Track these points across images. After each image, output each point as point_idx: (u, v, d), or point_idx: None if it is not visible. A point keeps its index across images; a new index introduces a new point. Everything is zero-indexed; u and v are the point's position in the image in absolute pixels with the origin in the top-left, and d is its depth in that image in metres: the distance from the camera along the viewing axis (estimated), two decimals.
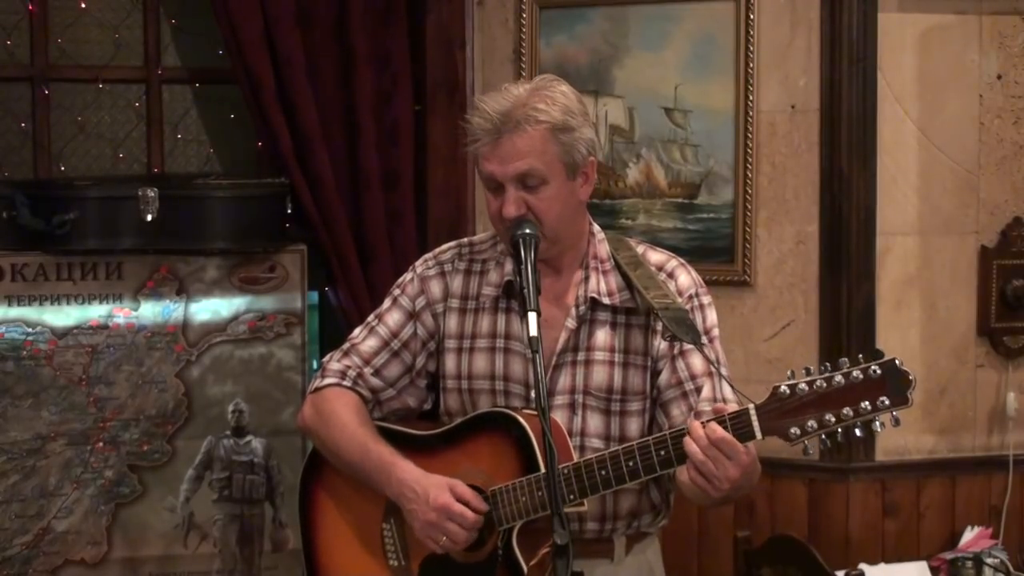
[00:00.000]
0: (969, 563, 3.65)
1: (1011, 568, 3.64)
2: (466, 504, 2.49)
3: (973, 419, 3.81)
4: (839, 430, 2.31)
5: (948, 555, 3.69)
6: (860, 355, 2.32)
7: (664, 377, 2.60)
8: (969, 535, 3.73)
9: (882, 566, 3.61)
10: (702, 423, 2.35)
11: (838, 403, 2.29)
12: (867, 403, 2.28)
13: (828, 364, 2.33)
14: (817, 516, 3.74)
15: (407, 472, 2.56)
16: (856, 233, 3.69)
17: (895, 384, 2.28)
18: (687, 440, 2.34)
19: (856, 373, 2.29)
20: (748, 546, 3.66)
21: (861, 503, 3.73)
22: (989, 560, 3.64)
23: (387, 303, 2.76)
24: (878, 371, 2.28)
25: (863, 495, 3.73)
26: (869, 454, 3.73)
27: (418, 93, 3.96)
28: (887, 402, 2.28)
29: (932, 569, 3.64)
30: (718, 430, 2.32)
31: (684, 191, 3.82)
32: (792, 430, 2.31)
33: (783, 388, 2.32)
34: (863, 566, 3.56)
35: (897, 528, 3.75)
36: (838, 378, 2.30)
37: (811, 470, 3.73)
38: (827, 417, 2.30)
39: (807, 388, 2.31)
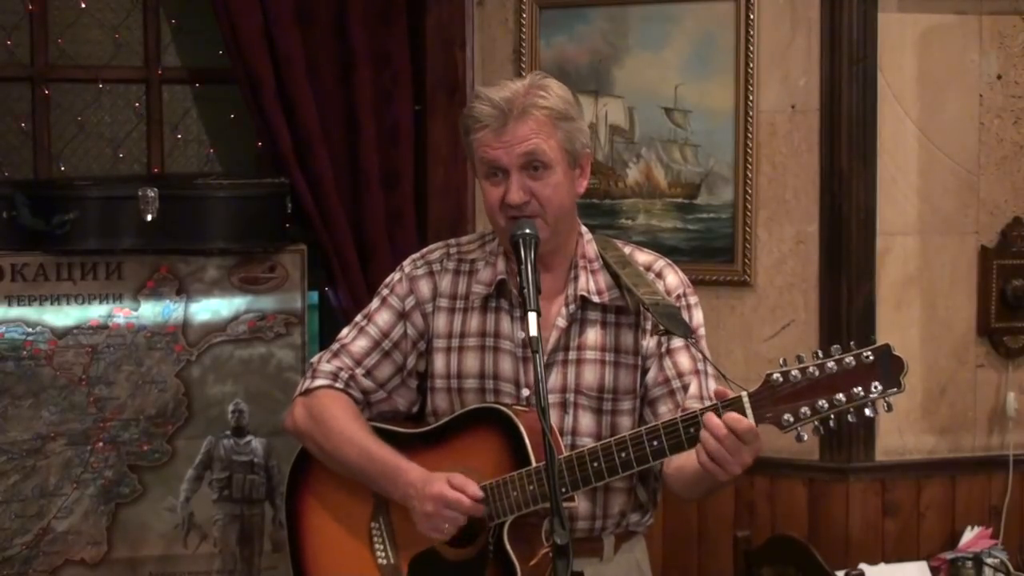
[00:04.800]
0: (969, 563, 3.65)
1: (1011, 568, 3.64)
2: (463, 491, 2.50)
3: (973, 419, 3.81)
4: (832, 416, 2.31)
5: (948, 555, 3.69)
6: (852, 342, 2.32)
7: (651, 375, 2.62)
8: (969, 535, 3.73)
9: (882, 566, 3.61)
10: (699, 411, 2.35)
11: (830, 389, 2.29)
12: (859, 388, 2.29)
13: (820, 351, 2.33)
14: (817, 516, 3.75)
15: (412, 473, 2.57)
16: (856, 233, 3.69)
17: (887, 369, 2.29)
18: (704, 432, 2.34)
19: (848, 359, 2.29)
20: (748, 546, 3.66)
21: (861, 503, 3.73)
22: (989, 560, 3.64)
23: (376, 303, 2.76)
24: (870, 357, 2.29)
25: (863, 495, 3.73)
26: (869, 454, 3.73)
27: (418, 93, 3.96)
28: (879, 387, 2.28)
29: (932, 569, 3.64)
30: (742, 420, 2.31)
31: (684, 191, 3.82)
32: (785, 417, 2.32)
33: (776, 375, 2.32)
34: (863, 566, 3.57)
35: (897, 528, 3.75)
36: (830, 364, 2.30)
37: (811, 470, 3.74)
38: (820, 403, 2.30)
39: (799, 375, 2.31)
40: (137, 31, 4.06)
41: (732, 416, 2.32)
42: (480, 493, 2.50)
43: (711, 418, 2.33)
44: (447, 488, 2.50)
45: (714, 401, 2.38)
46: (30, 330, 3.51)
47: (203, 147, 4.14)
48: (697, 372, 2.60)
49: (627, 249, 2.70)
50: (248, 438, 3.65)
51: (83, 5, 4.02)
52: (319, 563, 2.75)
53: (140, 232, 3.49)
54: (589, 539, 2.63)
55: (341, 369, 2.72)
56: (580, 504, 2.57)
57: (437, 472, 2.54)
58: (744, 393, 2.34)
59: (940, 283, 3.77)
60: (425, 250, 2.78)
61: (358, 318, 2.77)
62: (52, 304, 3.53)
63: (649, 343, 2.61)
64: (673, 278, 2.66)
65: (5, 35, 3.99)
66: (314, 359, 2.78)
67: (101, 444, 3.56)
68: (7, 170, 4.02)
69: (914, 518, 3.76)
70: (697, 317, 2.66)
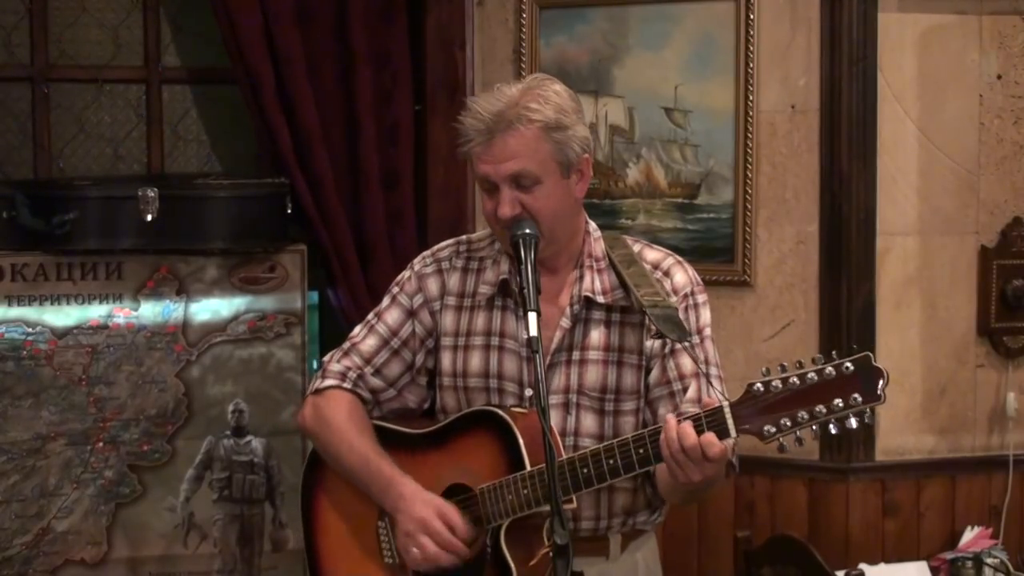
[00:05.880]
0: (969, 563, 3.65)
1: (1011, 568, 3.64)
2: (450, 528, 2.50)
3: (973, 419, 3.81)
4: (813, 427, 2.30)
5: (948, 555, 3.69)
6: (834, 352, 2.32)
7: (654, 376, 2.61)
8: (969, 535, 3.73)
9: (882, 566, 3.61)
10: (677, 420, 2.35)
11: (812, 400, 2.29)
12: (839, 400, 2.28)
13: (801, 361, 2.33)
14: (817, 516, 3.75)
15: (405, 487, 2.57)
16: (856, 233, 3.69)
17: (867, 381, 2.28)
18: (671, 437, 2.35)
19: (829, 370, 2.29)
20: (748, 546, 3.66)
21: (861, 503, 3.73)
22: (989, 560, 3.64)
23: (386, 301, 2.76)
24: (851, 368, 2.28)
25: (863, 495, 3.73)
26: (869, 454, 3.73)
27: (418, 93, 3.96)
28: (859, 399, 2.28)
29: (932, 569, 3.64)
30: (689, 437, 2.32)
31: (684, 191, 3.82)
32: (766, 428, 2.31)
33: (757, 386, 2.32)
34: (863, 566, 3.57)
35: (897, 528, 3.75)
36: (811, 375, 2.30)
37: (811, 470, 3.74)
38: (800, 415, 2.30)
39: (781, 385, 2.31)
40: (137, 31, 4.06)
41: (683, 431, 2.32)
42: (465, 536, 2.51)
43: (669, 427, 2.34)
44: (433, 517, 2.51)
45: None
46: (30, 330, 3.51)
47: (203, 147, 4.14)
48: (698, 375, 2.58)
49: (636, 247, 2.69)
50: (248, 438, 3.65)
51: (83, 5, 4.02)
52: (331, 561, 2.76)
53: (140, 232, 3.49)
54: (594, 538, 2.63)
55: (350, 369, 2.72)
56: (584, 503, 2.57)
57: (428, 494, 2.55)
58: (725, 404, 2.34)
59: (940, 283, 3.77)
60: (436, 247, 2.78)
61: (369, 316, 2.78)
62: (52, 304, 3.53)
63: (654, 343, 2.60)
64: (681, 276, 2.65)
65: (5, 35, 3.99)
66: (326, 358, 2.79)
67: (101, 444, 3.56)
68: (7, 170, 4.02)
69: (914, 518, 3.76)
70: (704, 317, 2.65)
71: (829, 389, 2.28)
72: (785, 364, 2.33)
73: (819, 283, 3.73)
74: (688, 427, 2.33)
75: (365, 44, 3.82)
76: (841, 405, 2.28)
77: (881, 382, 2.28)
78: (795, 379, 2.30)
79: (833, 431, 2.30)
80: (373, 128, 3.84)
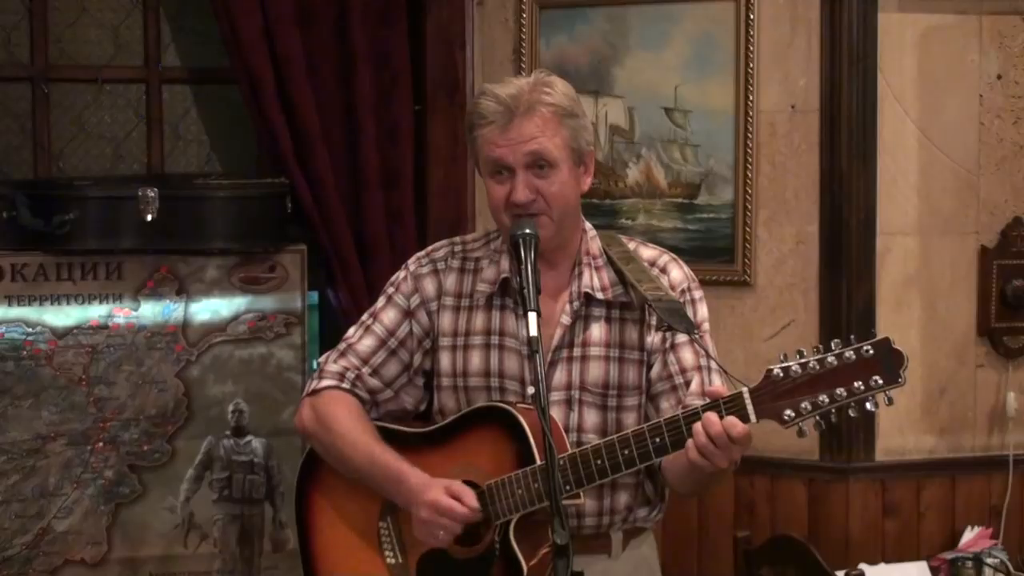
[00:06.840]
0: (969, 563, 3.65)
1: (1011, 568, 3.64)
2: (458, 500, 2.50)
3: (973, 419, 3.81)
4: (833, 411, 2.31)
5: (948, 555, 3.69)
6: (852, 336, 2.33)
7: (655, 370, 2.62)
8: (969, 535, 3.73)
9: (882, 566, 3.62)
10: (701, 408, 2.36)
11: (831, 384, 2.30)
12: (860, 383, 2.29)
13: (820, 346, 2.33)
14: (817, 516, 3.75)
15: (413, 479, 2.57)
16: (856, 233, 3.70)
17: (887, 363, 2.29)
18: (697, 428, 2.34)
19: (848, 353, 2.29)
20: (748, 546, 3.66)
21: (861, 503, 3.73)
22: (989, 560, 3.64)
23: (381, 301, 2.76)
24: (871, 351, 2.29)
25: (863, 495, 3.73)
26: (869, 454, 3.73)
27: (418, 93, 3.96)
28: (880, 381, 2.29)
29: (932, 569, 3.64)
30: (714, 425, 2.33)
31: (684, 191, 3.83)
32: (786, 412, 2.32)
33: (776, 371, 2.32)
34: (863, 566, 3.57)
35: (897, 528, 3.75)
36: (831, 359, 2.30)
37: (811, 470, 3.74)
38: (821, 398, 2.30)
39: (800, 370, 2.31)
40: (137, 31, 4.06)
41: (730, 422, 2.33)
42: (476, 504, 2.50)
43: (711, 420, 2.34)
44: (442, 495, 2.50)
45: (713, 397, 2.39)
46: (30, 330, 3.51)
47: (203, 147, 4.14)
48: (700, 368, 2.60)
49: (632, 245, 2.71)
50: (248, 438, 3.65)
51: (83, 5, 4.02)
52: (329, 562, 2.75)
53: (140, 232, 3.49)
54: (597, 536, 2.63)
55: (348, 369, 2.72)
56: (587, 500, 2.58)
57: (437, 479, 2.54)
58: (744, 389, 2.35)
59: (940, 283, 3.77)
60: (430, 248, 2.78)
61: (364, 317, 2.77)
62: (52, 304, 3.53)
63: (654, 339, 2.61)
64: (677, 273, 2.66)
65: (5, 35, 3.99)
66: (321, 359, 2.78)
67: (101, 444, 3.56)
68: (7, 170, 4.02)
69: (914, 518, 3.77)
70: (702, 312, 2.66)
71: (849, 373, 2.29)
72: (803, 349, 2.33)
73: (819, 283, 3.73)
74: (712, 415, 2.34)
75: (365, 44, 3.82)
76: (862, 388, 2.29)
77: (903, 364, 2.29)
78: (815, 363, 2.31)
79: (852, 414, 2.31)
80: (373, 128, 3.84)
